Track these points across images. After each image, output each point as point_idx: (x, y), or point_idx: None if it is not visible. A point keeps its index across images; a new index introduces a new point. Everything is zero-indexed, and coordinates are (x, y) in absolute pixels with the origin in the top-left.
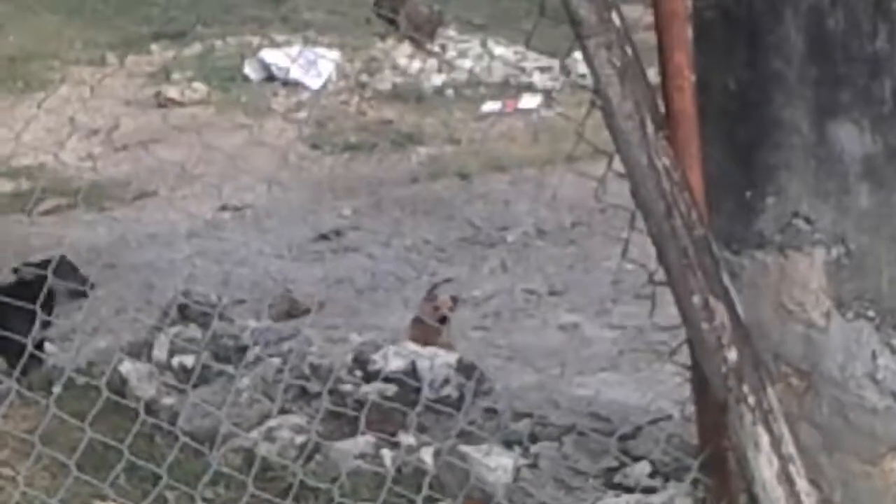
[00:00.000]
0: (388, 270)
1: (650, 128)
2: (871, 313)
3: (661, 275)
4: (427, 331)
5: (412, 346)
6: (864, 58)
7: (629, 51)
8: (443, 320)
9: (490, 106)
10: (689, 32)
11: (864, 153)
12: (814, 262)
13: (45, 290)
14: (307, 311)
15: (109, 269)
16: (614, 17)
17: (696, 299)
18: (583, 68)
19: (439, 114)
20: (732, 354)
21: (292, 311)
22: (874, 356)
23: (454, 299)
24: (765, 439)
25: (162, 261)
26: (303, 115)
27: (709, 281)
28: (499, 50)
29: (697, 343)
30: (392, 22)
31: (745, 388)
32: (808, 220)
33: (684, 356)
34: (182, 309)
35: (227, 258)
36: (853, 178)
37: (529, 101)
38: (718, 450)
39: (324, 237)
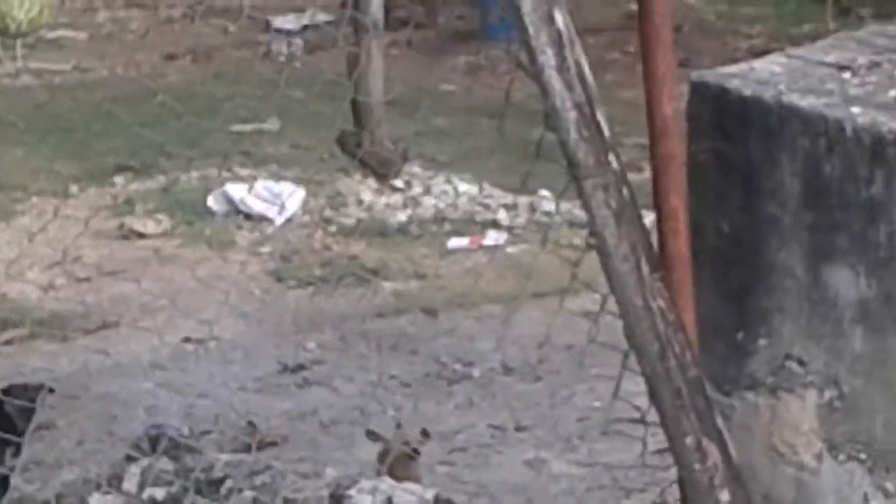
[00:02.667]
0: (353, 405)
1: (646, 269)
2: (863, 456)
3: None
4: (397, 465)
5: (389, 482)
6: (860, 203)
7: (626, 193)
8: (414, 454)
9: (455, 242)
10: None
11: (859, 297)
12: (805, 404)
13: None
14: (272, 444)
15: (71, 399)
16: (612, 158)
17: (689, 440)
18: (547, 206)
19: (404, 249)
20: (725, 496)
21: (257, 444)
22: (866, 499)
23: (424, 433)
24: None
25: (125, 392)
26: (267, 249)
27: (702, 422)
28: (463, 187)
29: (690, 483)
30: (356, 158)
31: None
32: (800, 363)
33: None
34: (153, 441)
35: (190, 390)
36: (847, 321)
37: (495, 238)
38: None
39: (288, 370)
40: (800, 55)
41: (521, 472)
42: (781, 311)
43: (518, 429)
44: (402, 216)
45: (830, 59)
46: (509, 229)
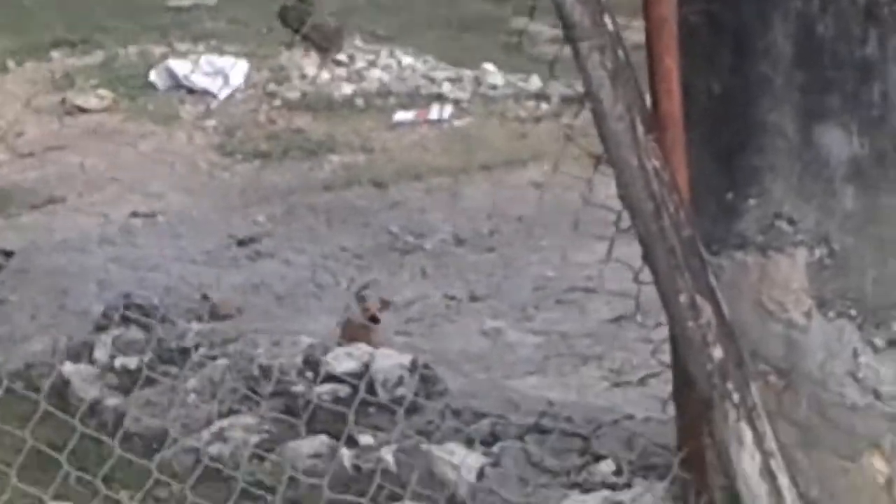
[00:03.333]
0: (306, 277)
1: (640, 130)
2: (853, 312)
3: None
4: (358, 332)
5: (365, 347)
6: (854, 63)
7: (621, 54)
8: (374, 320)
9: (402, 115)
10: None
11: (850, 156)
12: (795, 262)
13: None
14: (227, 316)
15: (21, 274)
16: (607, 20)
17: (682, 298)
18: (492, 80)
19: (350, 123)
20: (718, 352)
21: (211, 315)
22: (855, 354)
23: (384, 301)
24: (748, 435)
25: (74, 266)
26: (211, 122)
27: (696, 280)
28: (407, 60)
29: (683, 341)
30: (298, 32)
31: (730, 386)
32: (790, 222)
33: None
34: (125, 310)
35: (140, 264)
36: (839, 180)
37: (440, 111)
38: (698, 447)
39: (238, 243)
40: None
41: (478, 341)
42: (772, 170)
43: (472, 299)
44: (347, 90)
45: None
46: (455, 102)
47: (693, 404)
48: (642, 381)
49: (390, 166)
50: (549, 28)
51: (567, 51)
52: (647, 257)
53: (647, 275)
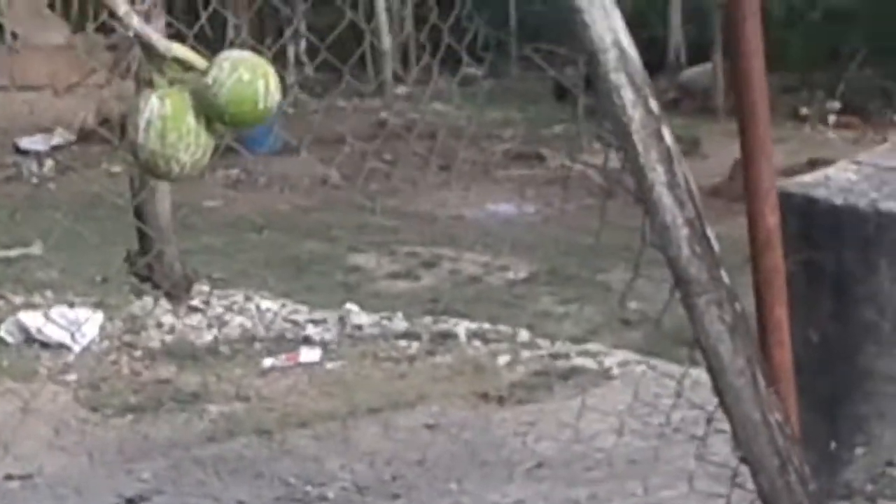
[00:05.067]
0: None
1: (762, 383)
2: None
3: None
4: None
5: None
6: None
7: (738, 307)
8: None
9: (270, 361)
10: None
11: None
12: None
13: None
14: None
15: None
16: (723, 273)
17: None
18: (356, 320)
19: (219, 371)
20: None
21: None
22: None
23: None
24: None
25: None
26: (73, 377)
27: None
28: (266, 304)
29: None
30: (148, 280)
31: None
32: None
33: None
34: None
35: None
36: None
37: (310, 355)
38: None
39: (128, 502)
40: (870, 162)
41: None
42: (881, 417)
43: None
44: (209, 337)
45: None
46: (323, 345)
47: None
48: None
49: (271, 414)
50: (388, 264)
51: (391, 286)
52: None
53: None
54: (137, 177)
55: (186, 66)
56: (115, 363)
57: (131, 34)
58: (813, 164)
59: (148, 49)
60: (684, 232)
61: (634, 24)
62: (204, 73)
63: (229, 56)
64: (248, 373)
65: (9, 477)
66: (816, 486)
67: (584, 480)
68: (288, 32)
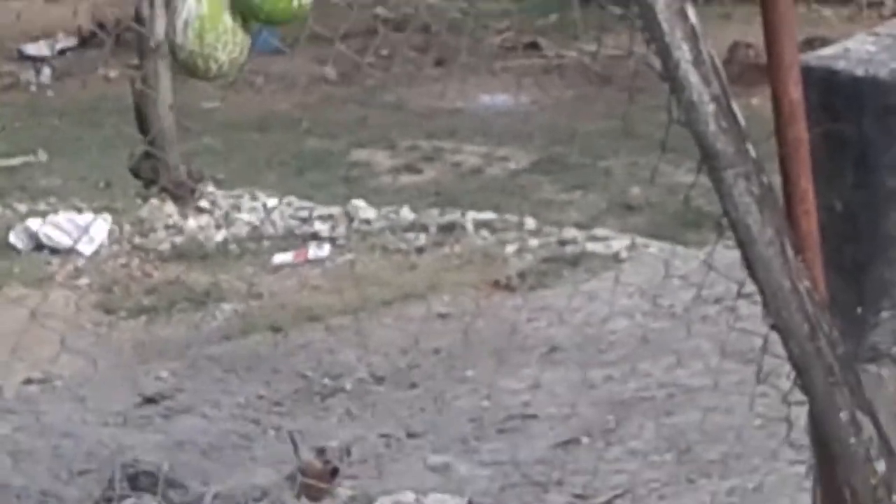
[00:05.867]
0: (229, 429)
1: (790, 252)
2: None
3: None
4: (315, 486)
5: (411, 496)
6: None
7: (765, 179)
8: (334, 472)
9: (280, 258)
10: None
11: None
12: None
13: None
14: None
15: None
16: (749, 147)
17: (843, 415)
18: (364, 214)
19: (229, 270)
20: (881, 466)
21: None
22: None
23: (345, 450)
24: None
25: None
26: (85, 281)
27: (854, 396)
28: (272, 202)
29: (845, 458)
30: (153, 182)
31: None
32: None
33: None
34: (131, 479)
35: (50, 431)
36: None
37: (319, 251)
38: None
39: (149, 401)
40: (888, 33)
41: (429, 477)
42: None
43: (410, 435)
44: (218, 236)
45: None
46: (331, 240)
47: None
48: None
49: (284, 310)
50: (389, 158)
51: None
52: (802, 378)
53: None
54: (139, 79)
55: None
56: (125, 266)
57: None
58: (810, 43)
59: None
60: (711, 108)
61: None
62: None
63: None
64: (258, 270)
65: (28, 381)
66: (844, 350)
67: (599, 363)
68: None
